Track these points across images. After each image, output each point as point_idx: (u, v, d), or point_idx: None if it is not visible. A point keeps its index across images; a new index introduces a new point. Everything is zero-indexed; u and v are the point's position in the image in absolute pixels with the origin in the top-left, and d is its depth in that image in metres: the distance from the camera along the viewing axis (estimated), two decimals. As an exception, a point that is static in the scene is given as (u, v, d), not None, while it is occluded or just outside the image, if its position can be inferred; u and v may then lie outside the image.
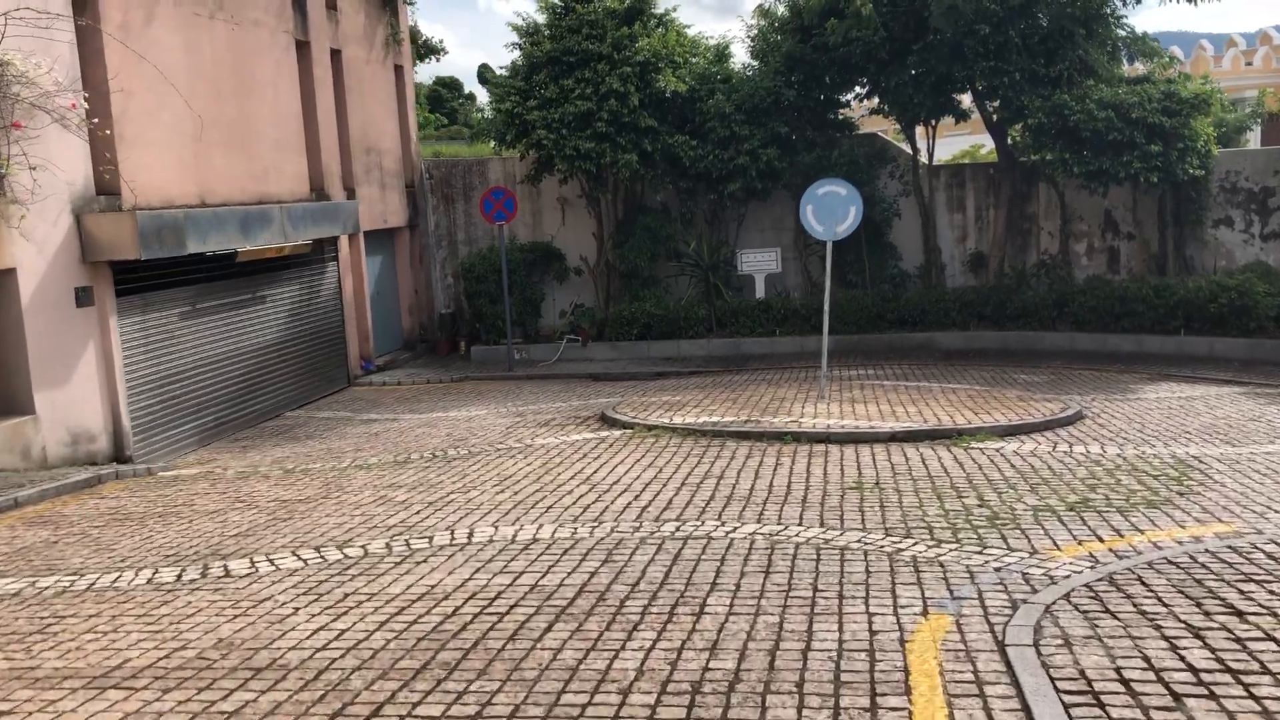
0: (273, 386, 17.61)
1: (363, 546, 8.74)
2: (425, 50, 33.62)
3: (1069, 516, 8.76)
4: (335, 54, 20.12)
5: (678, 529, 8.78)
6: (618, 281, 22.71)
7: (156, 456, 14.33)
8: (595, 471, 11.14)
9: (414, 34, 33.39)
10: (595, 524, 9.02)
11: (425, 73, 48.51)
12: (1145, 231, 21.09)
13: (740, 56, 31.89)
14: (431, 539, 8.80)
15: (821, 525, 8.75)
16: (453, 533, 8.97)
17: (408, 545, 8.65)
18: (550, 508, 9.68)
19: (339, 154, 20.01)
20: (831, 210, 14.91)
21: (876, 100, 21.61)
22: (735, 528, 8.74)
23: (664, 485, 10.40)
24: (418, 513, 9.76)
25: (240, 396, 16.68)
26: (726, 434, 12.75)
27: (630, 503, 9.76)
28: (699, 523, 8.96)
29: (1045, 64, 19.45)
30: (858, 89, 21.88)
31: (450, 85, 49.08)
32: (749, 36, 22.55)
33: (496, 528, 9.04)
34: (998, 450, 11.58)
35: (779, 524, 8.81)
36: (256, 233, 16.68)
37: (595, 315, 22.07)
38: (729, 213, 22.70)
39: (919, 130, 22.07)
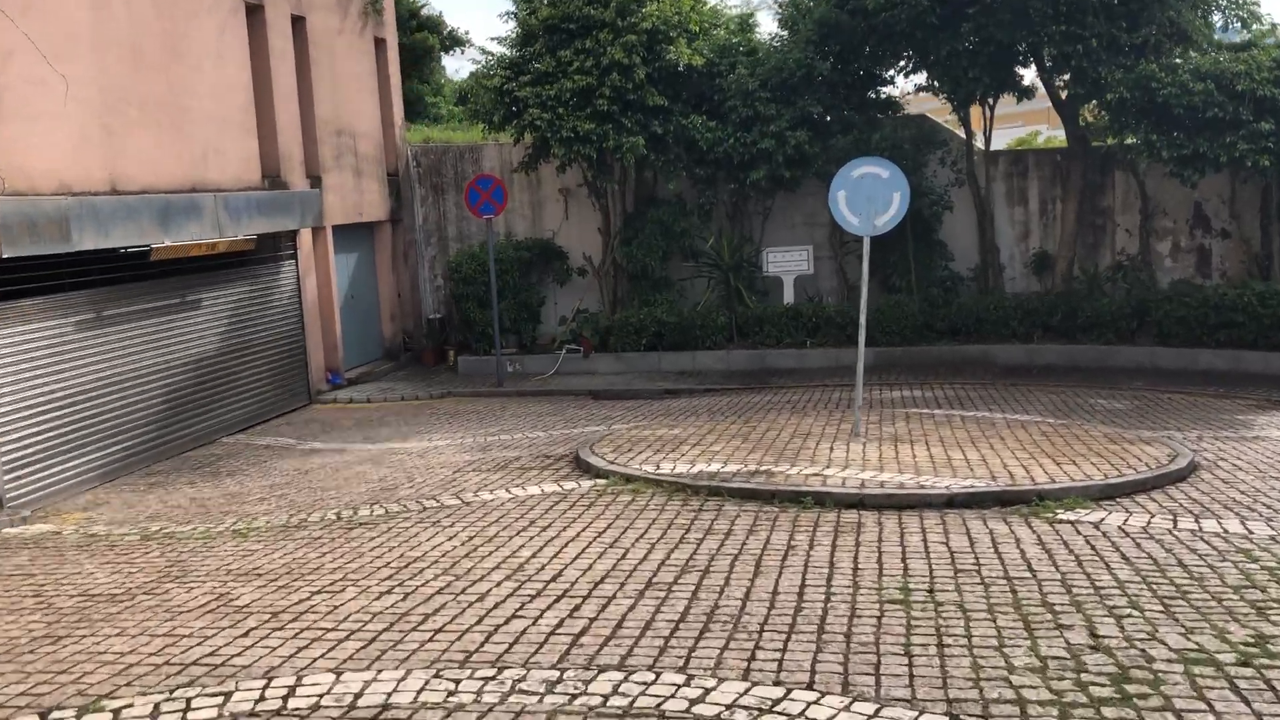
0: (209, 407, 14.41)
1: (110, 713, 5.43)
2: (450, 41, 30.41)
3: (1246, 678, 5.26)
4: (298, 21, 16.87)
5: (612, 694, 5.37)
6: (625, 283, 19.31)
7: (38, 499, 11.17)
8: (534, 555, 7.76)
9: (436, 23, 30.23)
10: (491, 675, 5.63)
11: (452, 66, 45.11)
12: (1244, 228, 17.32)
13: (767, 27, 27.79)
14: (228, 697, 5.46)
15: (845, 690, 5.30)
16: (268, 683, 5.61)
17: (182, 718, 5.31)
18: (439, 632, 6.30)
19: (300, 136, 16.76)
20: (870, 197, 11.40)
21: (924, 75, 18.00)
22: (705, 693, 5.31)
23: (620, 587, 6.99)
24: (245, 634, 6.43)
25: (164, 421, 13.49)
26: (727, 492, 9.31)
27: (560, 623, 6.37)
28: (650, 678, 5.54)
29: (1127, 28, 15.73)
30: (902, 62, 18.25)
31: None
32: (777, 2, 19.03)
33: (339, 676, 5.67)
34: (1096, 526, 8.06)
35: (776, 685, 5.38)
36: (181, 225, 13.49)
37: (599, 322, 18.67)
38: (753, 205, 19.21)
39: (974, 111, 18.45)
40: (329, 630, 6.38)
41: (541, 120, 17.07)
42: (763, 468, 9.98)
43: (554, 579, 7.18)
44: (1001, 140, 21.56)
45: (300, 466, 12.08)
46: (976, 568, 7.11)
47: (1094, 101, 16.68)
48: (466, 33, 27.16)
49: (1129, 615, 6.13)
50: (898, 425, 12.07)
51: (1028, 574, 6.93)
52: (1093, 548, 7.47)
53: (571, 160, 17.69)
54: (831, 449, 10.79)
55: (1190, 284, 17.26)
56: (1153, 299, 16.76)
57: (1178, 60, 15.33)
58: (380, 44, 19.66)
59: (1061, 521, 8.21)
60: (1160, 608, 6.24)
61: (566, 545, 7.96)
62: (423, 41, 28.89)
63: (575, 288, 19.81)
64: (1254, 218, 17.18)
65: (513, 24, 18.28)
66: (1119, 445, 10.64)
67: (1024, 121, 36.11)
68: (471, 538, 8.26)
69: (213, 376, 14.52)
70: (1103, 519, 8.26)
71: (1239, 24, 16.36)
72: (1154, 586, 6.61)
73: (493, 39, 30.44)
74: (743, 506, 8.92)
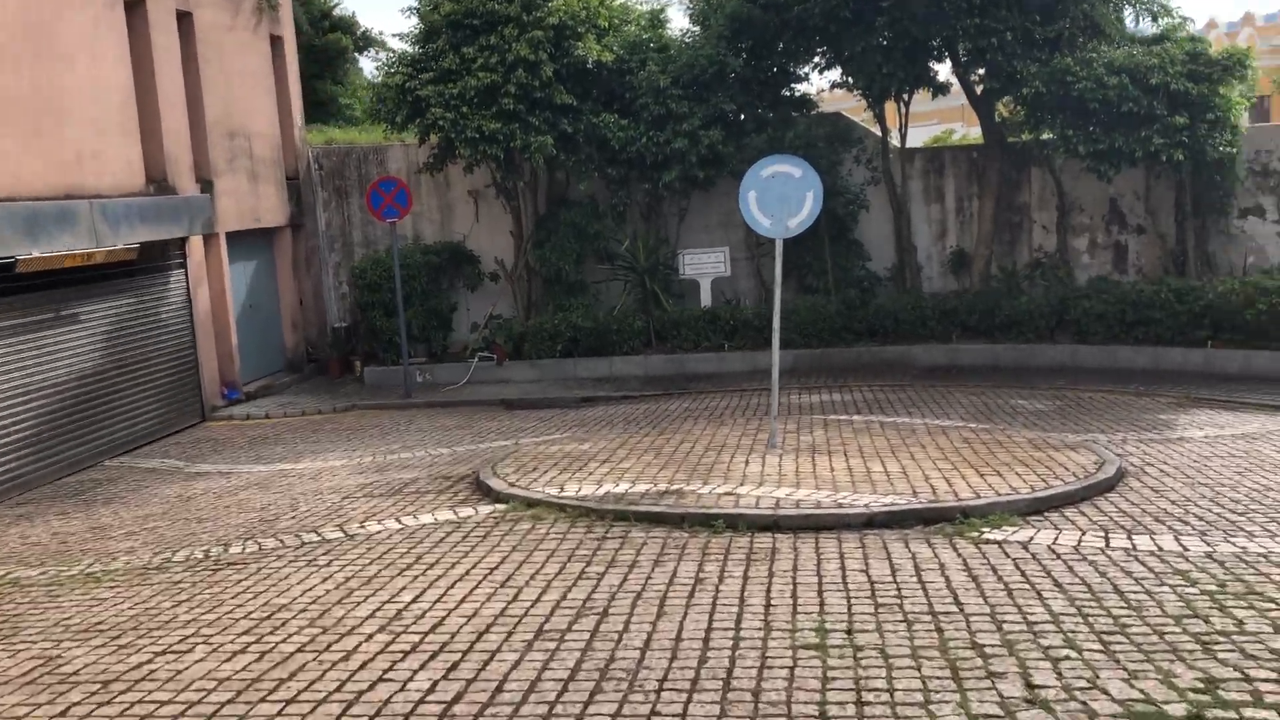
0: (91, 429, 13.27)
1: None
2: (364, 42, 29.20)
3: (1199, 735, 4.61)
4: (184, 17, 15.72)
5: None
6: (539, 288, 18.45)
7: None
8: (415, 600, 6.89)
9: (349, 23, 29.00)
10: (343, 758, 4.79)
11: (369, 68, 43.66)
12: (1159, 223, 16.99)
13: (679, 23, 26.99)
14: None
15: (751, 767, 4.55)
16: (77, 783, 4.72)
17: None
18: (291, 702, 5.41)
19: (189, 138, 15.62)
20: (782, 197, 10.70)
21: (839, 71, 17.40)
22: (591, 776, 4.53)
23: (507, 637, 6.17)
24: (63, 712, 5.48)
25: (38, 445, 12.36)
26: (635, 516, 8.52)
27: (433, 687, 5.52)
28: (533, 750, 4.74)
29: (1041, 21, 15.27)
30: (817, 58, 17.62)
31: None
32: (688, -4, 18.31)
33: (162, 769, 4.79)
34: (1025, 546, 7.42)
35: (673, 763, 4.61)
36: (52, 236, 12.37)
37: (513, 328, 17.78)
38: (668, 206, 18.47)
39: (889, 108, 17.91)
40: (164, 703, 5.46)
41: (445, 120, 16.14)
42: (674, 487, 9.21)
43: (434, 629, 6.32)
44: (918, 139, 21.08)
45: (183, 493, 11.04)
46: (899, 601, 6.41)
47: (1009, 96, 16.20)
48: (381, 33, 26.11)
49: (1066, 658, 5.46)
50: (815, 434, 11.40)
51: (954, 607, 6.25)
52: (1023, 573, 6.82)
53: (478, 161, 16.79)
54: (747, 463, 10.07)
55: (1108, 281, 16.90)
56: (1071, 296, 16.35)
57: (1092, 54, 14.89)
58: (277, 41, 18.54)
59: (988, 541, 7.56)
60: (1099, 647, 5.59)
61: (453, 586, 7.11)
62: (336, 42, 27.75)
63: (488, 293, 18.90)
64: (1168, 213, 16.86)
65: (415, 20, 17.32)
66: (1044, 452, 10.08)
67: (940, 120, 35.93)
68: (348, 579, 7.37)
69: (93, 395, 13.39)
70: (1032, 537, 7.64)
71: (1150, 18, 16.00)
72: (1091, 620, 5.97)
73: (395, 35, 29.32)
74: (650, 532, 8.14)
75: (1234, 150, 15.10)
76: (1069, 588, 6.50)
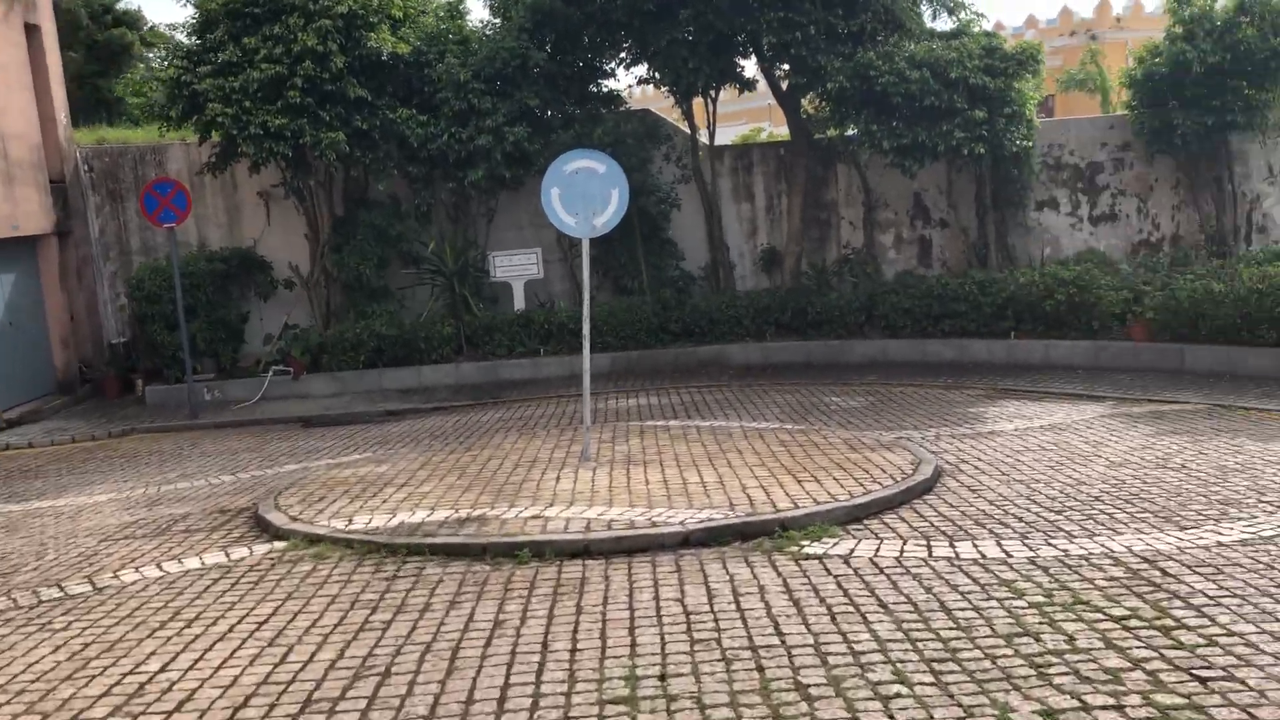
0: None
1: None
2: (152, 38, 26.96)
3: (1043, 783, 4.10)
4: (-85, 0, 13.85)
5: None
6: (339, 295, 17.21)
7: None
8: (164, 668, 5.83)
9: (134, 18, 26.73)
10: None
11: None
12: (961, 217, 17.16)
13: (480, 14, 25.94)
14: None
15: None
16: None
17: None
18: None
19: (-75, 137, 13.77)
20: (587, 195, 9.99)
21: (645, 66, 16.88)
22: None
23: (268, 712, 5.20)
24: None
25: None
26: (430, 549, 7.63)
27: (171, 787, 4.55)
28: None
29: (844, 15, 15.11)
30: (623, 53, 17.04)
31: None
32: (487, -14, 17.44)
33: None
34: (846, 561, 6.93)
35: None
36: None
37: (311, 339, 16.50)
38: (476, 206, 17.56)
39: (697, 104, 17.50)
40: None
41: (225, 115, 14.78)
42: (476, 513, 8.36)
43: (180, 707, 5.30)
44: (727, 138, 20.83)
45: (-87, 542, 9.47)
46: (716, 635, 5.77)
47: (814, 92, 16.02)
48: (165, 26, 24.12)
49: (897, 695, 4.91)
50: (631, 443, 10.75)
51: (775, 640, 5.65)
52: (846, 593, 6.29)
53: (265, 159, 15.46)
54: (558, 479, 9.31)
55: (914, 275, 16.95)
56: (880, 292, 16.30)
57: (893, 49, 14.80)
58: (33, 31, 16.66)
59: (809, 557, 7.04)
60: (931, 679, 5.07)
61: (213, 647, 6.08)
62: (120, 38, 25.68)
63: (282, 301, 17.54)
64: (969, 207, 17.03)
65: (191, 9, 15.83)
66: (860, 454, 9.71)
67: (748, 120, 36.17)
68: (86, 646, 6.23)
69: None
70: (853, 550, 7.15)
71: (946, 12, 16.09)
72: (920, 645, 5.46)
73: (168, 26, 27.26)
74: (448, 568, 7.27)
75: (1029, 144, 15.32)
76: (895, 608, 6.01)
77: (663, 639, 5.77)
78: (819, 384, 14.54)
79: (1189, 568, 6.39)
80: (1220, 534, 7.04)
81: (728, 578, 6.72)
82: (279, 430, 14.22)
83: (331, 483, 9.79)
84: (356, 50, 15.36)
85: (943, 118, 14.58)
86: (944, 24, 16.11)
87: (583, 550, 7.44)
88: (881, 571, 6.68)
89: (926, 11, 16.50)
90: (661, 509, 8.13)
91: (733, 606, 6.20)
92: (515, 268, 17.34)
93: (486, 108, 15.89)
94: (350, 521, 8.32)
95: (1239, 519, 7.37)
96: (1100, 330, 14.68)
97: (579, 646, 5.74)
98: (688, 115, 17.48)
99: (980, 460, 9.63)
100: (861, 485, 8.54)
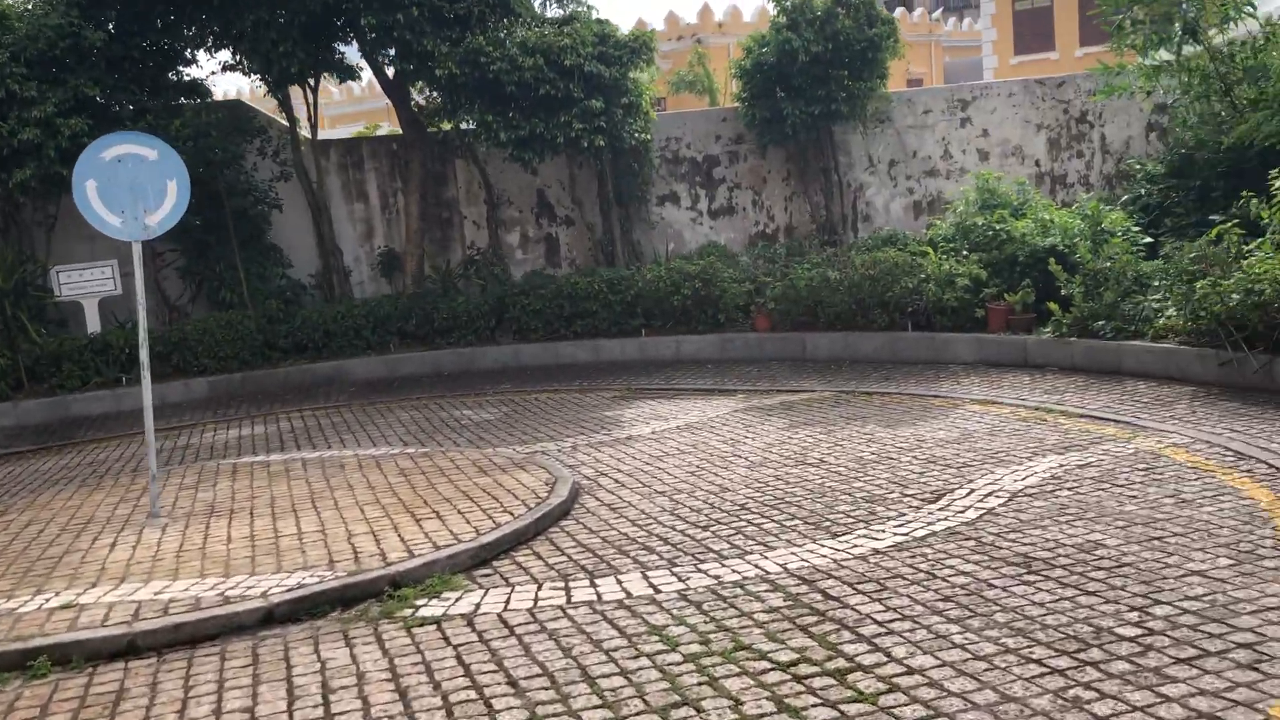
0: None
1: None
2: None
3: None
4: None
5: None
6: None
7: None
8: None
9: None
10: None
11: None
12: (586, 214, 16.34)
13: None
14: None
15: None
16: None
17: None
18: None
19: None
20: (135, 187, 7.94)
21: (231, 51, 14.66)
22: None
23: None
24: None
25: None
26: (-100, 672, 5.43)
27: None
28: None
29: (450, -2, 13.76)
30: (208, 37, 14.71)
31: None
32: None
33: None
34: (470, 623, 5.56)
35: None
36: None
37: None
38: (31, 213, 14.58)
39: (295, 94, 15.51)
40: None
41: None
42: (-17, 608, 6.19)
43: None
44: (345, 130, 18.88)
45: None
46: (294, 763, 4.20)
47: (424, 80, 14.55)
48: None
49: (529, 832, 3.59)
50: (219, 487, 8.82)
51: (373, 760, 4.17)
52: (468, 673, 4.92)
53: None
54: (114, 546, 7.26)
55: (543, 275, 15.96)
56: (509, 295, 15.15)
57: (504, 34, 13.65)
58: None
59: (424, 622, 5.60)
60: (572, 796, 3.80)
61: None
62: None
63: None
64: (594, 203, 16.27)
65: None
66: (490, 477, 8.40)
67: (367, 121, 34.07)
68: None
69: None
70: (478, 605, 5.80)
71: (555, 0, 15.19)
72: (558, 743, 4.19)
73: None
74: (-80, 700, 5.14)
75: (648, 137, 14.77)
76: (528, 689, 4.70)
77: (215, 782, 4.11)
78: (449, 396, 13.15)
79: (851, 586, 5.59)
80: (874, 539, 6.36)
81: (318, 667, 5.14)
82: None
83: None
84: None
85: (560, 108, 13.62)
86: (554, 11, 15.16)
87: (127, 648, 5.55)
88: (512, 632, 5.37)
89: (535, -2, 15.51)
90: (241, 576, 6.37)
91: (320, 713, 4.64)
92: (86, 284, 14.53)
93: (32, 96, 13.08)
94: None
95: (888, 518, 6.76)
96: (727, 323, 14.35)
97: (88, 813, 3.96)
98: (286, 107, 15.43)
99: (619, 471, 8.63)
100: (490, 518, 7.21)
